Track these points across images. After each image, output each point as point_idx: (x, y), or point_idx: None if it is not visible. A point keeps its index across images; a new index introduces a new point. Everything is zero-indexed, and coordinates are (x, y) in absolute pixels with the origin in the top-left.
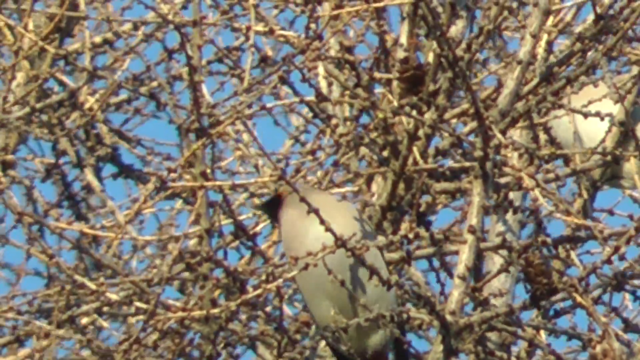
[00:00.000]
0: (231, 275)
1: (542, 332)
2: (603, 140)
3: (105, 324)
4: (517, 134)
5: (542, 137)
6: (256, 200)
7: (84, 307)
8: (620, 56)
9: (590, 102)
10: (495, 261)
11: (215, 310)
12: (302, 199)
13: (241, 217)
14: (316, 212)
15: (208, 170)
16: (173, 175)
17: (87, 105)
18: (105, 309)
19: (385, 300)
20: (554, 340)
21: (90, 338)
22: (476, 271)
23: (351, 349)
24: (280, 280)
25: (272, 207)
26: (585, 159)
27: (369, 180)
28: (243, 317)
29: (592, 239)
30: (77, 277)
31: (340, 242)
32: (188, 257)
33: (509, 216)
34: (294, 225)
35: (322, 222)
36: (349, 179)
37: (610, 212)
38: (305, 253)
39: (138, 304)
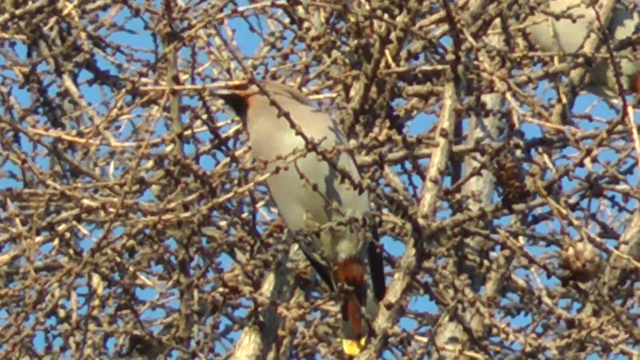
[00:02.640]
0: (200, 179)
1: (520, 238)
2: (582, 46)
3: (83, 229)
4: (495, 41)
5: (522, 43)
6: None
7: (63, 214)
8: None
9: (569, 8)
10: (468, 165)
11: (186, 214)
12: (273, 102)
13: (219, 124)
14: (286, 115)
15: (185, 76)
16: (147, 80)
17: (65, 12)
18: (83, 215)
19: (358, 204)
20: (533, 247)
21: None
22: (453, 176)
23: (324, 254)
24: (252, 184)
25: (237, 103)
26: (563, 62)
27: (347, 87)
28: (222, 223)
29: (565, 142)
30: (50, 182)
31: (311, 146)
32: (161, 162)
33: (487, 121)
34: (265, 132)
35: (293, 125)
36: (327, 85)
37: (589, 118)
38: (276, 157)
39: (113, 209)
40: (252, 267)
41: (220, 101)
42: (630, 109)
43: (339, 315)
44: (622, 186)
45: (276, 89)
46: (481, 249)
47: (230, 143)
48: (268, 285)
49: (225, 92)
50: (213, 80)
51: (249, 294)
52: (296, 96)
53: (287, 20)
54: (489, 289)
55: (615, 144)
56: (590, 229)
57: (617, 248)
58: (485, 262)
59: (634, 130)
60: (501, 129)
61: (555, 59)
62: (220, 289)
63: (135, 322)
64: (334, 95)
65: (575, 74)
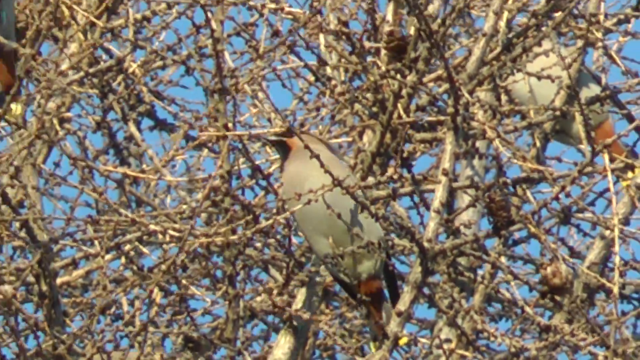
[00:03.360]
0: (247, 209)
1: (502, 258)
2: (553, 100)
3: (145, 249)
4: (483, 95)
5: (504, 97)
6: (270, 135)
7: (128, 236)
8: (567, 31)
9: (542, 69)
10: (464, 199)
11: (234, 237)
12: (306, 147)
13: (258, 162)
14: (317, 157)
15: (230, 124)
16: (200, 126)
17: (130, 70)
18: (145, 237)
19: (374, 231)
20: (512, 265)
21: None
22: (449, 207)
23: (347, 273)
24: (288, 213)
25: (281, 146)
26: (538, 115)
27: (361, 133)
28: (258, 244)
29: (543, 180)
30: (122, 211)
31: (337, 182)
32: (213, 195)
33: (476, 162)
34: (299, 170)
35: (322, 165)
36: (344, 131)
37: (559, 160)
38: (308, 190)
39: (172, 232)
40: (292, 287)
41: (259, 144)
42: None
43: (355, 321)
44: (588, 215)
45: (311, 137)
46: (471, 266)
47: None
48: (301, 297)
49: (274, 138)
50: (251, 126)
51: (285, 305)
52: (326, 144)
53: (312, 78)
54: (476, 299)
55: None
56: (560, 250)
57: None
58: (478, 278)
59: (609, 171)
60: (487, 168)
61: (531, 111)
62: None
63: (188, 325)
64: (350, 139)
65: (547, 124)
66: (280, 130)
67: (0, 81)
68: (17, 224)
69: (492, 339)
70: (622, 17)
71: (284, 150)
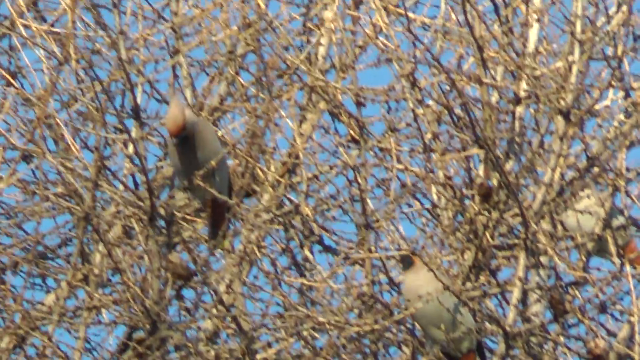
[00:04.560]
0: (385, 306)
1: (561, 337)
2: (593, 228)
3: (317, 335)
4: (545, 225)
5: (559, 227)
6: (396, 255)
7: (304, 326)
8: (602, 181)
9: (586, 207)
10: (533, 296)
11: (377, 326)
12: (425, 264)
13: (392, 274)
14: (432, 270)
15: (372, 248)
16: (352, 250)
17: (305, 212)
18: (316, 326)
19: (471, 320)
20: (567, 341)
21: None
22: (523, 302)
23: (454, 350)
24: (412, 309)
25: (407, 263)
26: (583, 238)
27: (462, 252)
28: (393, 330)
29: (587, 283)
30: (300, 308)
31: (445, 287)
32: (362, 297)
33: (541, 271)
34: (419, 280)
35: (436, 277)
36: (451, 251)
37: (598, 269)
38: (426, 294)
39: (335, 322)
40: None
41: (393, 262)
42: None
43: None
44: (618, 307)
45: (427, 257)
46: (539, 343)
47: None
48: None
49: (401, 256)
50: (387, 249)
51: None
52: (436, 262)
53: (429, 216)
54: None
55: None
56: (600, 331)
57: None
58: (545, 352)
59: (629, 277)
60: (549, 275)
61: (579, 236)
62: None
63: None
64: (455, 257)
65: (589, 244)
66: (406, 252)
67: (217, 222)
68: (229, 318)
69: None
70: (639, 170)
71: (409, 265)
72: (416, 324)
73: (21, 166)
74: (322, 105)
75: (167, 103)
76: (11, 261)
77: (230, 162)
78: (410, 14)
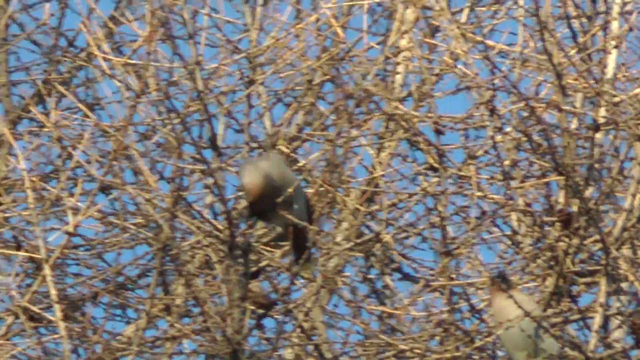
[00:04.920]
0: (466, 333)
1: None
2: None
3: None
4: (625, 251)
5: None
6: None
7: (386, 354)
8: None
9: None
10: (614, 322)
11: (458, 353)
12: (505, 291)
13: (474, 301)
14: (512, 297)
15: (453, 275)
16: (432, 278)
17: (384, 240)
18: (398, 354)
19: (554, 345)
20: None
21: None
22: (604, 328)
23: None
24: (494, 335)
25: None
26: None
27: (543, 279)
28: (475, 357)
29: None
30: (381, 336)
31: (527, 314)
32: (442, 324)
33: (622, 297)
34: (501, 306)
35: (516, 303)
36: (532, 278)
37: None
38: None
39: (416, 350)
40: None
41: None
42: None
43: None
44: None
45: (510, 284)
46: None
47: None
48: None
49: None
50: (468, 276)
51: None
52: (516, 287)
53: (509, 242)
54: None
55: None
56: None
57: None
58: None
59: None
60: (629, 301)
61: None
62: None
63: None
64: (536, 284)
65: None
66: (486, 280)
67: (300, 248)
68: (311, 347)
69: None
70: None
71: (507, 285)
72: (502, 347)
73: (100, 197)
74: (400, 133)
75: (242, 133)
76: (91, 292)
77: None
78: (488, 42)
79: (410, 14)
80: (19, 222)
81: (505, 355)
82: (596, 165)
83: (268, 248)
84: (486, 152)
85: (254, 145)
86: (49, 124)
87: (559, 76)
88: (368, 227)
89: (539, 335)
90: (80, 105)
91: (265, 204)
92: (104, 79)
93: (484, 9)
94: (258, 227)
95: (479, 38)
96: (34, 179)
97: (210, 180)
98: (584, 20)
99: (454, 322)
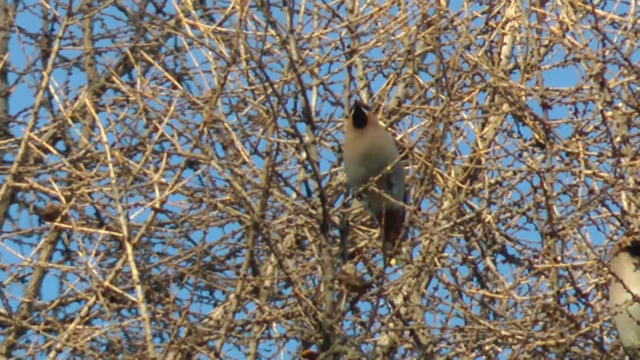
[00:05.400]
0: (570, 319)
1: None
2: None
3: (499, 349)
4: None
5: None
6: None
7: (487, 339)
8: None
9: None
10: None
11: (563, 340)
12: (613, 274)
13: (579, 285)
14: (621, 281)
15: (558, 257)
16: (537, 260)
17: (487, 220)
18: (499, 340)
19: None
20: None
21: None
22: None
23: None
24: (601, 321)
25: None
26: None
27: None
28: (580, 344)
29: None
30: (482, 321)
31: (636, 298)
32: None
33: None
34: (615, 289)
35: (624, 285)
36: None
37: None
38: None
39: (518, 336)
40: None
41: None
42: None
43: None
44: None
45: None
46: None
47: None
48: None
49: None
50: (574, 259)
51: None
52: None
53: (618, 223)
54: None
55: None
56: None
57: None
58: None
59: None
60: None
61: None
62: None
63: None
64: None
65: None
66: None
67: (392, 234)
68: (407, 332)
69: None
70: None
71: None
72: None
73: (187, 173)
74: (505, 107)
75: (341, 106)
76: (177, 273)
77: (408, 169)
78: (599, 11)
79: None
80: (101, 198)
81: (615, 339)
82: None
83: (365, 228)
84: (595, 127)
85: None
86: (134, 95)
87: None
88: (469, 206)
89: None
90: (167, 75)
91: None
92: (193, 48)
93: None
94: (354, 206)
95: (589, 7)
96: (116, 152)
97: (304, 156)
98: None
99: (558, 307)
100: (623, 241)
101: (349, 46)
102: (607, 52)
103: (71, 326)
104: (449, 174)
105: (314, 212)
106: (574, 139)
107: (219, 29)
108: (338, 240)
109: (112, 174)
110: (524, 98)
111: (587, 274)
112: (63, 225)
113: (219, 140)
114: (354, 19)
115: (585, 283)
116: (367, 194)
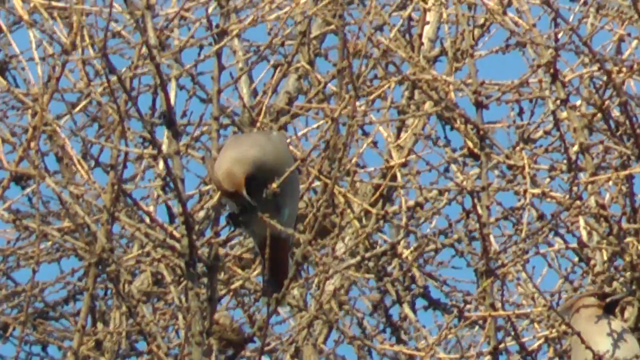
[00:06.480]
0: None
1: None
2: None
3: None
4: None
5: None
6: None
7: None
8: None
9: None
10: None
11: None
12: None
13: (524, 339)
14: (579, 334)
15: (498, 304)
16: (469, 307)
17: (404, 255)
18: None
19: None
20: None
21: None
22: None
23: None
24: None
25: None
26: None
27: (622, 309)
28: None
29: None
30: None
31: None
32: None
33: None
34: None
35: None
36: None
37: None
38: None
39: None
40: None
41: (526, 322)
42: None
43: None
44: None
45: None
46: None
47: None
48: None
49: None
50: (518, 305)
51: None
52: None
53: (576, 259)
54: None
55: None
56: None
57: None
58: None
59: None
60: None
61: None
62: None
63: None
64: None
65: None
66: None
67: (278, 269)
68: None
69: None
70: None
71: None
72: None
73: (13, 192)
74: (428, 106)
75: (210, 103)
76: None
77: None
78: None
79: None
80: None
81: None
82: None
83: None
84: (546, 132)
85: (226, 121)
86: None
87: None
88: (381, 236)
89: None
90: None
91: (245, 198)
92: (20, 29)
93: None
94: (229, 234)
95: None
96: None
97: (163, 169)
98: None
99: None
100: (589, 298)
101: (217, 25)
102: (560, 35)
103: None
104: (354, 193)
105: (176, 244)
106: (517, 148)
107: (54, 4)
108: (206, 281)
109: None
110: (452, 94)
111: (534, 325)
112: None
113: (53, 149)
114: None
115: (532, 337)
116: (246, 217)
